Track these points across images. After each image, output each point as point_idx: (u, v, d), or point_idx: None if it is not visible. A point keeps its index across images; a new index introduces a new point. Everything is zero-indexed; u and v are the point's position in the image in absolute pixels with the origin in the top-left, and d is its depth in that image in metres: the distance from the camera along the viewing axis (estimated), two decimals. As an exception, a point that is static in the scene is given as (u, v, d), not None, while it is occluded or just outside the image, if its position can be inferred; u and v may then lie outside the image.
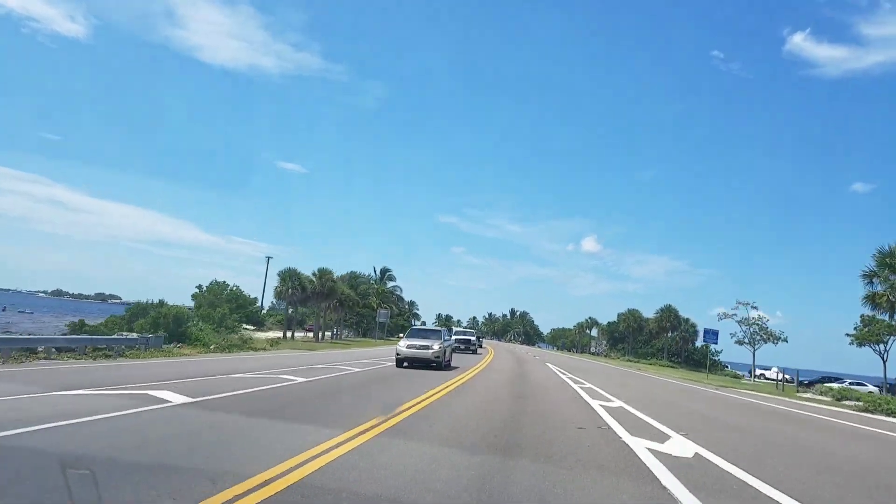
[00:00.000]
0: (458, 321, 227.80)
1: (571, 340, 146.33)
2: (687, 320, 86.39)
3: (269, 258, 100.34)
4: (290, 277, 55.85)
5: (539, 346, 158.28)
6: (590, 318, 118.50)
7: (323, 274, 58.29)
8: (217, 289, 71.00)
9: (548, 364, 40.77)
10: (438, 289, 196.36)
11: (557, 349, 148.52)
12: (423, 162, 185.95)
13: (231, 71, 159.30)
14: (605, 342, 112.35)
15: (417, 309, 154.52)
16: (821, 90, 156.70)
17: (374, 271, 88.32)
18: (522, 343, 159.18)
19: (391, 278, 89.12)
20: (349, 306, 68.86)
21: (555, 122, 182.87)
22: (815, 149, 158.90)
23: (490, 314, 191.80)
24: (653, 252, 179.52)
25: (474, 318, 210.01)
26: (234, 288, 71.83)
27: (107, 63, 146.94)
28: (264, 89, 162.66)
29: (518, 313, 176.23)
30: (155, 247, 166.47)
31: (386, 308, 77.45)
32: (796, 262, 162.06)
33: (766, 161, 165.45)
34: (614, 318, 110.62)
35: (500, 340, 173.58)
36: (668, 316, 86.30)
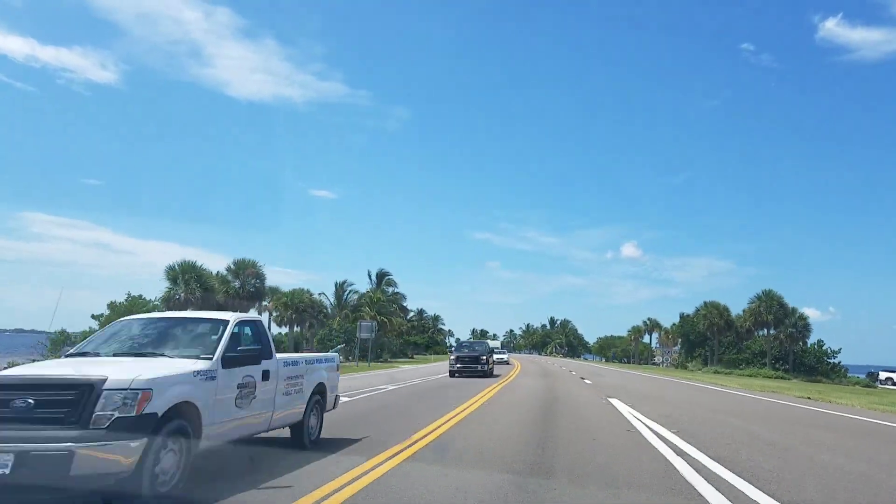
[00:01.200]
0: (494, 335, 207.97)
1: (623, 349, 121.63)
2: (794, 311, 61.50)
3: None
4: (184, 272, 34.15)
5: (585, 358, 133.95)
6: (648, 319, 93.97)
7: (242, 267, 36.47)
8: (135, 305, 49.76)
9: (610, 399, 18.45)
10: (474, 306, 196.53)
11: (607, 360, 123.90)
12: (451, 179, 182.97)
13: (257, 104, 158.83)
14: (676, 349, 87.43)
15: (443, 324, 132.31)
16: (859, 75, 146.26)
17: (370, 276, 66.70)
18: (565, 356, 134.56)
19: (391, 283, 67.28)
20: (315, 316, 46.93)
21: (583, 130, 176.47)
22: (859, 136, 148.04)
23: (528, 325, 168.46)
24: (693, 254, 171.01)
25: (511, 331, 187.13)
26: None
27: (140, 106, 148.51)
28: (290, 119, 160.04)
29: (558, 322, 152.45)
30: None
31: (374, 319, 55.22)
32: (845, 257, 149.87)
33: (807, 153, 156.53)
34: (664, 322, 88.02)
35: (540, 354, 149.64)
36: (768, 305, 61.18)
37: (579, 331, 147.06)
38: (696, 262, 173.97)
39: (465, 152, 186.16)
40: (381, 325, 57.44)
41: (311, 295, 47.50)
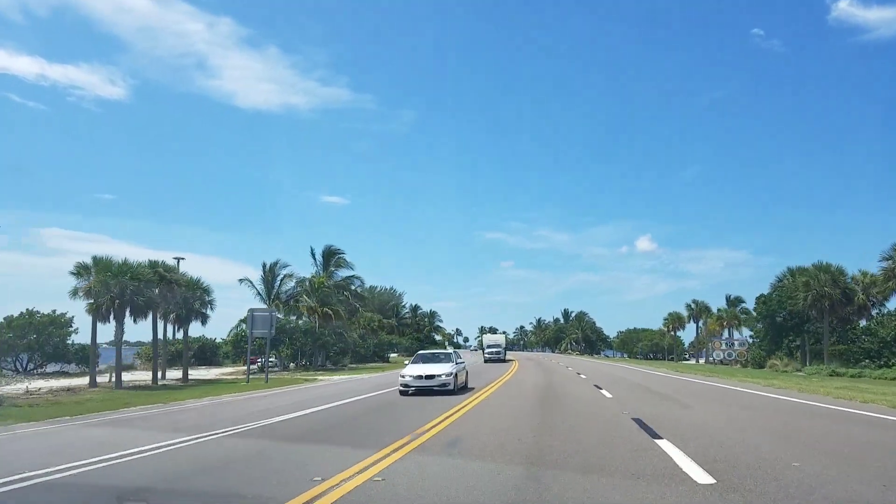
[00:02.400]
0: (505, 332, 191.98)
1: (653, 343, 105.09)
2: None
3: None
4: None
5: (606, 355, 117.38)
6: (694, 302, 76.46)
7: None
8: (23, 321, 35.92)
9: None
10: (489, 307, 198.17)
11: (631, 357, 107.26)
12: (461, 180, 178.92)
13: (264, 112, 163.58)
14: (742, 337, 67.68)
15: (440, 321, 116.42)
16: (876, 55, 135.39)
17: (313, 256, 50.29)
18: (582, 353, 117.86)
19: (343, 264, 50.79)
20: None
21: (593, 125, 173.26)
22: (874, 118, 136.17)
23: (538, 320, 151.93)
24: (709, 246, 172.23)
25: (521, 327, 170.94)
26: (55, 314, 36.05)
27: (149, 120, 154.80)
28: (297, 127, 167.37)
29: (573, 315, 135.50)
30: (217, 290, 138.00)
31: (314, 313, 39.65)
32: (860, 242, 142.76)
33: (822, 138, 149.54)
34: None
35: (553, 351, 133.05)
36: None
37: (597, 324, 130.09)
38: (712, 254, 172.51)
39: (473, 152, 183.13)
40: (326, 318, 41.57)
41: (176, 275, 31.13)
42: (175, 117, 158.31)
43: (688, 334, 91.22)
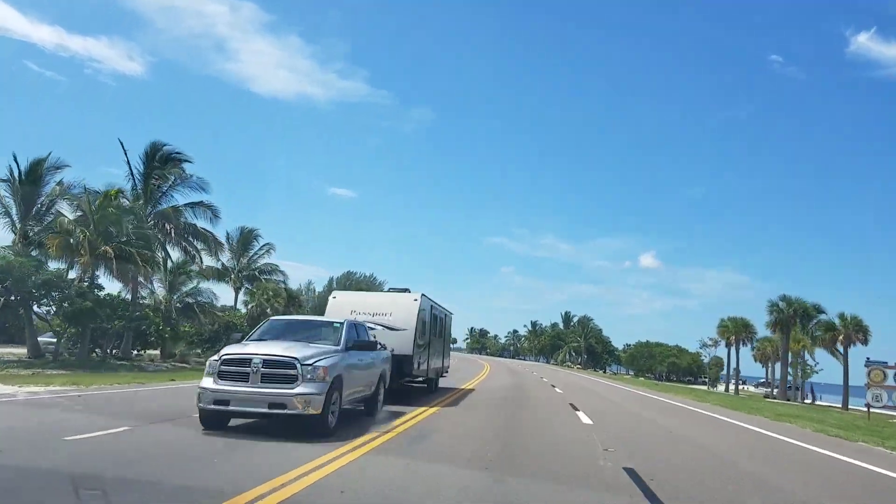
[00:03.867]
0: (496, 336, 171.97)
1: (672, 363, 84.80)
2: None
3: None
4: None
5: (613, 372, 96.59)
6: (729, 320, 55.30)
7: None
8: None
9: None
10: (488, 311, 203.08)
11: (641, 377, 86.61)
12: (469, 182, 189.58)
13: (282, 101, 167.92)
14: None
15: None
16: (890, 92, 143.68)
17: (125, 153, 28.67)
18: (584, 367, 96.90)
19: (178, 175, 29.41)
20: None
21: (605, 138, 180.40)
22: (884, 154, 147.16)
23: (534, 323, 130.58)
24: (711, 266, 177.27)
25: (514, 332, 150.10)
26: None
27: (165, 98, 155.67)
28: (312, 117, 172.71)
29: (576, 319, 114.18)
30: None
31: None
32: (864, 272, 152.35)
33: (831, 169, 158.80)
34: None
35: (548, 361, 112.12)
36: None
37: (604, 332, 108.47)
38: (713, 275, 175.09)
39: (482, 155, 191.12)
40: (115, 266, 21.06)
41: None
42: (190, 97, 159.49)
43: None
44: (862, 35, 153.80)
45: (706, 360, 66.69)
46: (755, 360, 58.12)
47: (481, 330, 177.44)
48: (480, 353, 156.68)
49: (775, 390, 51.44)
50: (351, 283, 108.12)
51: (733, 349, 57.68)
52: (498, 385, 26.31)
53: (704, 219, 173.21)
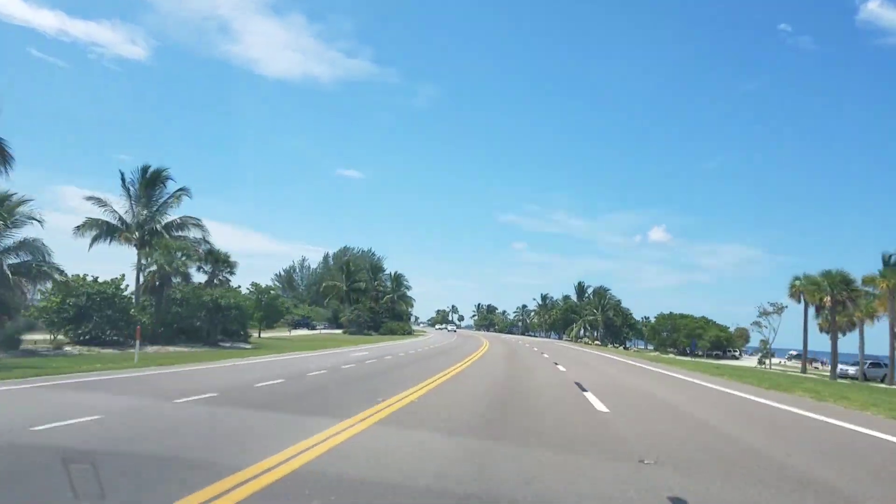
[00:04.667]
0: (504, 312, 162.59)
1: (698, 335, 74.63)
2: None
3: None
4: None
5: (637, 347, 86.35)
6: (822, 275, 43.08)
7: None
8: None
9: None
10: (501, 288, 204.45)
11: (674, 356, 76.57)
12: (479, 159, 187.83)
13: (287, 82, 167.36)
14: None
15: (408, 286, 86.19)
16: None
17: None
18: (604, 343, 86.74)
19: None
20: None
21: (615, 112, 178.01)
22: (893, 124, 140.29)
23: (545, 297, 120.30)
24: (723, 241, 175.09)
25: (523, 306, 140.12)
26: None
27: (168, 82, 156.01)
28: (319, 97, 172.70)
29: (591, 291, 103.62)
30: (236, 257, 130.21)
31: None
32: (875, 245, 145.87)
33: (844, 139, 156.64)
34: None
35: (560, 337, 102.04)
36: None
37: (623, 304, 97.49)
38: (725, 249, 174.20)
39: (493, 131, 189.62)
40: None
41: None
42: (195, 81, 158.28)
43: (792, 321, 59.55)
44: (871, 2, 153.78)
45: (763, 332, 54.75)
46: (821, 331, 47.57)
47: (489, 306, 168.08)
48: (488, 330, 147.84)
49: (851, 368, 40.96)
50: (349, 258, 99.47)
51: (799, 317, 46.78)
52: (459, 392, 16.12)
53: (715, 193, 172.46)
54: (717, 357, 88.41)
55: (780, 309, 44.96)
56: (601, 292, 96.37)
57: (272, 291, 43.74)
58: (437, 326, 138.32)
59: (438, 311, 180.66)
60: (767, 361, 60.69)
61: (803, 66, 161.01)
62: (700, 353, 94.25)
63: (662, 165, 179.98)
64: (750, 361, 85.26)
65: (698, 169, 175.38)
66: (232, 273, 35.51)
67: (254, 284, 42.78)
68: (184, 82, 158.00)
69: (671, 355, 67.57)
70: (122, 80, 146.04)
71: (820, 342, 52.43)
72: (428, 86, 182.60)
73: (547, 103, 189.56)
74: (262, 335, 43.49)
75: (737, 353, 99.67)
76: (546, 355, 32.95)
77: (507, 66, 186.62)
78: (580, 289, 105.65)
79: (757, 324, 47.34)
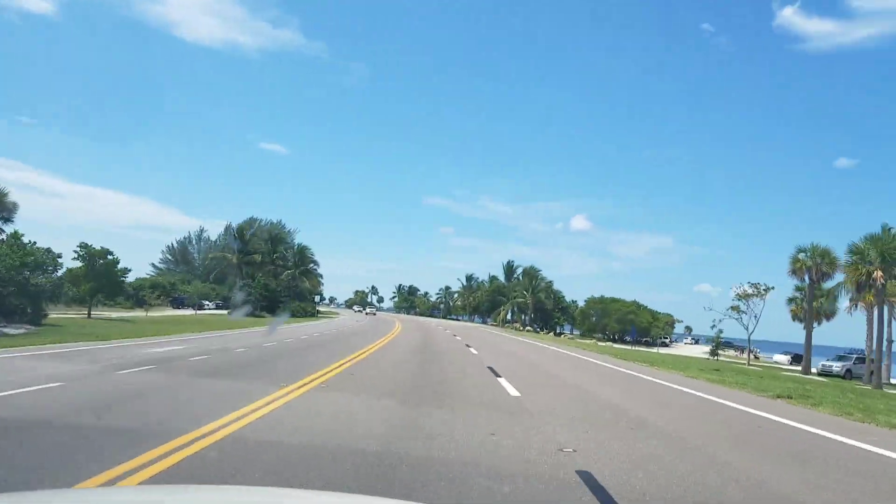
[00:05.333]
0: (426, 293, 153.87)
1: (630, 321, 68.56)
2: None
3: None
4: None
5: (569, 334, 79.22)
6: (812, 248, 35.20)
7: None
8: None
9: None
10: (428, 271, 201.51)
11: (612, 345, 70.03)
12: (409, 141, 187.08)
13: (209, 49, 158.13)
14: None
15: (315, 261, 75.51)
16: (809, 65, 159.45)
17: None
18: (533, 330, 79.18)
19: None
20: None
21: (544, 102, 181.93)
22: (802, 124, 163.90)
23: (469, 277, 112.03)
24: (638, 230, 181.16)
25: (446, 288, 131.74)
26: None
27: (80, 41, 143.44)
28: (243, 68, 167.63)
29: (520, 271, 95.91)
30: (141, 231, 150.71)
31: None
32: (781, 238, 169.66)
33: (754, 137, 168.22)
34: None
35: (485, 322, 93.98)
36: None
37: (555, 285, 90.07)
38: (640, 238, 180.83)
39: (424, 114, 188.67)
40: None
41: None
42: (108, 41, 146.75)
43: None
44: (787, 8, 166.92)
45: (743, 319, 45.77)
46: (794, 318, 40.94)
47: (410, 287, 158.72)
48: (408, 313, 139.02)
49: (836, 363, 34.09)
50: (256, 229, 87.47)
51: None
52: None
53: (634, 183, 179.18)
54: (648, 344, 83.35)
55: (763, 292, 37.37)
56: (531, 272, 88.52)
57: (110, 256, 32.39)
58: (355, 308, 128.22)
59: (357, 291, 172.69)
60: (715, 351, 54.32)
61: (721, 66, 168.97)
62: (629, 339, 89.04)
63: (589, 154, 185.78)
64: (687, 349, 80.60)
65: (622, 156, 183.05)
66: (8, 220, 24.22)
67: (82, 245, 31.45)
68: (95, 42, 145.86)
69: (611, 345, 60.55)
70: (26, 37, 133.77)
71: (788, 333, 46.50)
72: (358, 64, 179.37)
73: (478, 89, 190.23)
74: (92, 314, 32.21)
75: (666, 340, 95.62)
76: (473, 350, 23.79)
77: (439, 50, 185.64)
78: (509, 269, 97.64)
79: (735, 308, 39.43)
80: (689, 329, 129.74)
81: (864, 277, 23.67)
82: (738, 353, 76.67)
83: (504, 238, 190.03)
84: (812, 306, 35.33)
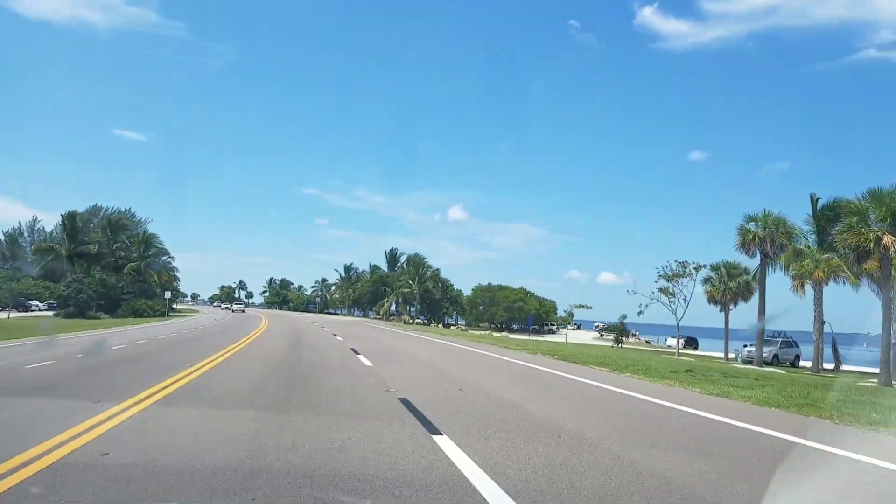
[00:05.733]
0: (300, 287, 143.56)
1: (518, 308, 65.09)
2: None
3: None
4: None
5: (462, 326, 74.31)
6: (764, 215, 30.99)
7: None
8: None
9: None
10: (304, 265, 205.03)
11: (509, 336, 65.91)
12: (281, 129, 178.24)
13: (53, 25, 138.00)
14: None
15: (160, 244, 64.81)
16: (667, 63, 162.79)
17: None
18: (425, 323, 73.53)
19: None
20: None
21: (417, 91, 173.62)
22: (662, 119, 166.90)
23: (349, 268, 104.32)
24: (513, 220, 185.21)
25: (323, 280, 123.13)
26: None
27: None
28: (93, 47, 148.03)
29: (404, 259, 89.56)
30: None
31: None
32: (644, 226, 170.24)
33: (618, 131, 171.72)
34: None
35: (365, 315, 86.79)
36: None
37: (444, 273, 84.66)
38: (515, 229, 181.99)
39: (295, 99, 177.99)
40: None
41: None
42: None
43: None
44: (647, 8, 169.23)
45: (672, 302, 39.90)
46: (709, 301, 37.85)
47: (283, 281, 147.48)
48: (280, 308, 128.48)
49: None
50: (101, 217, 74.12)
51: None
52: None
53: (508, 174, 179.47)
54: (536, 332, 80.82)
55: (694, 271, 33.40)
56: (417, 260, 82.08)
57: None
58: (221, 305, 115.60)
59: (223, 287, 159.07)
60: (613, 337, 51.29)
61: (587, 62, 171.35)
62: (515, 327, 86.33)
63: (464, 146, 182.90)
64: (577, 335, 78.97)
65: (495, 148, 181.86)
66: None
67: None
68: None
69: (507, 335, 56.05)
70: None
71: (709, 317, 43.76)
72: (224, 45, 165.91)
73: (350, 78, 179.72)
74: None
75: (553, 327, 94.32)
76: (366, 361, 17.14)
77: (312, 33, 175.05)
78: (392, 257, 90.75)
79: (664, 291, 35.33)
80: (571, 315, 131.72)
81: (870, 244, 19.67)
82: (635, 339, 76.33)
83: (382, 229, 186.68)
84: (764, 286, 31.13)
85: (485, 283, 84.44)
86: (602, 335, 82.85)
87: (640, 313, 39.66)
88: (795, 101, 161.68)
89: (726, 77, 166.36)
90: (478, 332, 54.78)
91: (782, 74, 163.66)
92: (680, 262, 35.34)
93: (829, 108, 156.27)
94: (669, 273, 35.27)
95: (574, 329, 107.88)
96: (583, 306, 48.26)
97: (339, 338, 25.21)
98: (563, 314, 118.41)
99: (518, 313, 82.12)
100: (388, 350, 19.80)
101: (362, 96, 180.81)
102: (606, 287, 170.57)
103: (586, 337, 77.71)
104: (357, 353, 17.16)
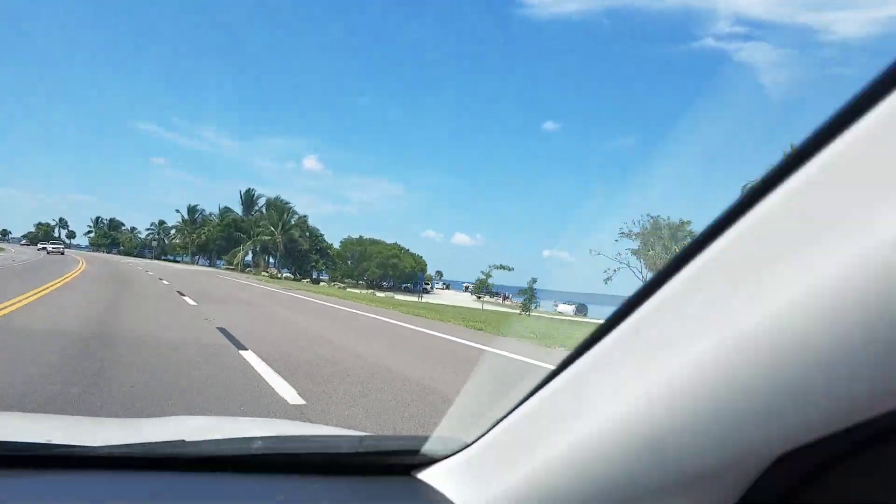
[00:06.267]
0: (133, 229, 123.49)
1: (393, 265, 58.07)
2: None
3: None
4: None
5: (326, 281, 65.17)
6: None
7: None
8: None
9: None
10: (132, 204, 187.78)
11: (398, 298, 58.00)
12: (114, 49, 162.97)
13: None
14: None
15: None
16: (527, 31, 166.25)
17: None
18: (295, 278, 63.26)
19: None
20: None
21: (272, 36, 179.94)
22: (518, 88, 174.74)
23: (194, 209, 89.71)
24: (371, 175, 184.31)
25: (160, 222, 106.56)
26: None
27: None
28: None
29: (264, 202, 77.25)
30: None
31: None
32: (500, 192, 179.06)
33: (476, 97, 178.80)
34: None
35: (212, 264, 74.31)
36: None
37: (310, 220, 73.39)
38: (373, 184, 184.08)
39: (132, 21, 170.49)
40: None
41: None
42: None
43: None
44: None
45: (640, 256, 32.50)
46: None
47: (111, 221, 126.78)
48: (109, 251, 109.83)
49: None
50: None
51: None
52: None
53: (365, 131, 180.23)
54: (408, 291, 73.91)
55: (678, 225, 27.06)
56: (280, 205, 69.64)
57: None
58: (38, 245, 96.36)
59: (40, 224, 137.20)
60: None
61: (453, 25, 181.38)
62: (385, 285, 78.68)
63: (322, 96, 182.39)
64: (452, 297, 73.41)
65: (354, 102, 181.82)
66: None
67: None
68: None
69: (401, 298, 47.85)
70: None
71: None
72: None
73: (201, 14, 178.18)
74: None
75: (428, 287, 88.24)
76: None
77: None
78: (248, 199, 77.51)
79: (637, 252, 28.22)
80: (440, 274, 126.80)
81: None
82: (500, 300, 71.95)
83: (229, 174, 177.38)
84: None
85: (340, 236, 75.72)
86: (479, 297, 78.38)
87: (607, 280, 32.29)
88: (639, 80, 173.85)
89: (579, 49, 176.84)
90: (358, 292, 46.25)
91: (631, 54, 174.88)
92: (652, 217, 28.89)
93: (671, 92, 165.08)
94: (637, 232, 28.94)
95: (443, 289, 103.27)
96: (504, 267, 42.53)
97: (191, 301, 15.57)
98: (433, 273, 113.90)
99: (392, 270, 74.26)
100: (327, 357, 11.13)
101: (209, 27, 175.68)
102: (460, 248, 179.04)
103: (462, 298, 72.76)
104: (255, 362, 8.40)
